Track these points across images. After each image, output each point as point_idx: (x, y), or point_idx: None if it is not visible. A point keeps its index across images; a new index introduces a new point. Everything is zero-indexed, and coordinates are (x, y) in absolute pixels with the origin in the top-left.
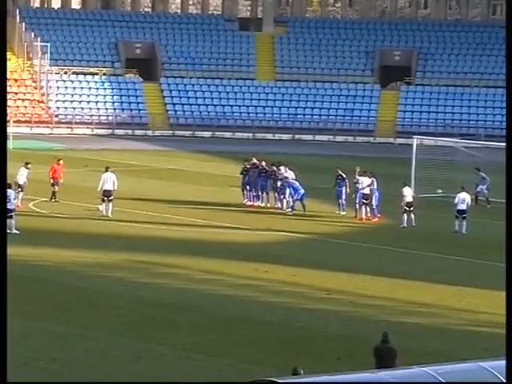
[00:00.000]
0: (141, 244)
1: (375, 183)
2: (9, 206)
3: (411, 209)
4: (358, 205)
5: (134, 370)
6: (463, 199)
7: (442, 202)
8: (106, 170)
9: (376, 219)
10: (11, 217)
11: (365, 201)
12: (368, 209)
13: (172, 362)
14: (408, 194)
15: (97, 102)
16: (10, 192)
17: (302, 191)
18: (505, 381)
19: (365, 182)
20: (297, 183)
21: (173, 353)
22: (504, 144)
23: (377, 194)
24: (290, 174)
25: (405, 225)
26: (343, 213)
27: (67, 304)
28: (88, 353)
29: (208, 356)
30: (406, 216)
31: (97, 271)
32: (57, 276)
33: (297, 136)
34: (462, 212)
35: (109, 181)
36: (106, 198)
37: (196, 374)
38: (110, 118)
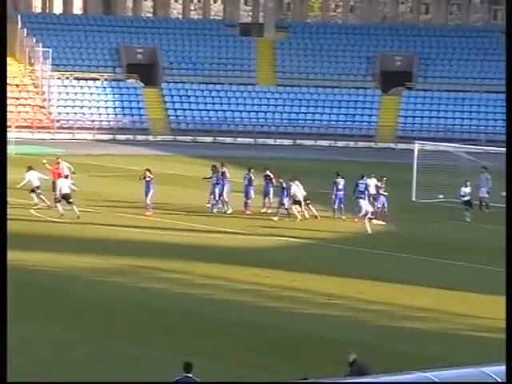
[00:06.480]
0: (140, 249)
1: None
2: None
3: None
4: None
5: (132, 375)
6: (465, 192)
7: (443, 208)
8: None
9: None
10: None
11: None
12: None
13: (171, 368)
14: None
15: (98, 108)
16: None
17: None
18: None
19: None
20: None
21: (172, 358)
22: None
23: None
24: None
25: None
26: (343, 217)
27: (66, 309)
28: (87, 358)
29: (208, 361)
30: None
31: (96, 276)
32: (55, 281)
33: (298, 141)
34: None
35: (65, 184)
36: (65, 201)
37: None
38: (111, 123)
